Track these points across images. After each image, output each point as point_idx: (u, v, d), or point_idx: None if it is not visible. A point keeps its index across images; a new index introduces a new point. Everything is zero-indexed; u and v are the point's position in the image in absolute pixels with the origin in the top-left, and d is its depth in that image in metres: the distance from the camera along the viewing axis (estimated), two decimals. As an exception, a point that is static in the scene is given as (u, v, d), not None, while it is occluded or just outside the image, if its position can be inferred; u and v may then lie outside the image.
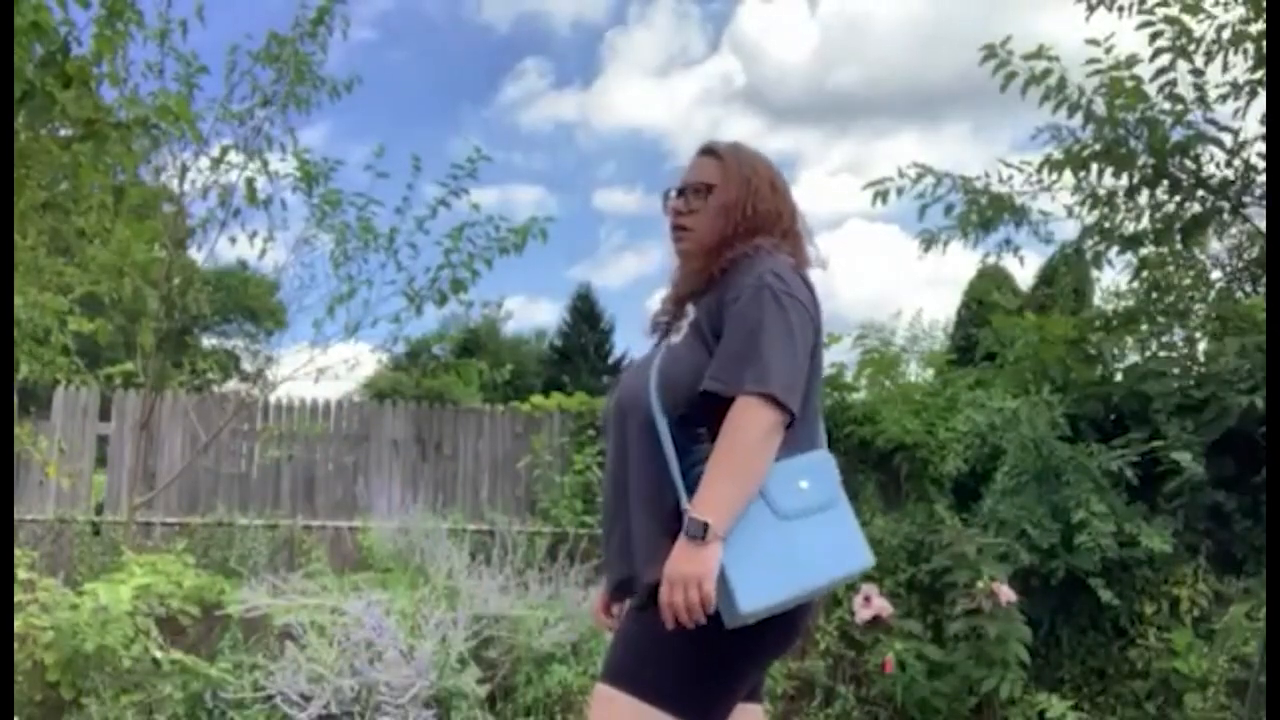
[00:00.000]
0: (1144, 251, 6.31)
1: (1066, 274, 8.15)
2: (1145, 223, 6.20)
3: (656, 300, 2.13)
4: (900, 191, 6.17)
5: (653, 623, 1.75)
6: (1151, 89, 5.73)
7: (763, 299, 1.78)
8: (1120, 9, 5.74)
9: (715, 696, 1.78)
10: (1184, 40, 5.70)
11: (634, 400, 1.87)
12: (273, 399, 6.77)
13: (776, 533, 1.71)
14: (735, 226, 1.95)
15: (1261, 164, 5.80)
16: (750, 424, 1.71)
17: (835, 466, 1.83)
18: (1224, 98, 5.83)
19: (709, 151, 2.05)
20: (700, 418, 1.77)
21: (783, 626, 1.81)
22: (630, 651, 1.82)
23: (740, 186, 1.97)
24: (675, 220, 2.02)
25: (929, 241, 6.47)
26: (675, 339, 1.90)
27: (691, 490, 1.73)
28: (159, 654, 4.41)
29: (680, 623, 1.67)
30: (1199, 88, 5.83)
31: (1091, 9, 5.74)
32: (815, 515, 1.76)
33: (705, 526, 1.67)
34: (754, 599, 1.66)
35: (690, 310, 1.91)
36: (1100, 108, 5.63)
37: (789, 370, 1.75)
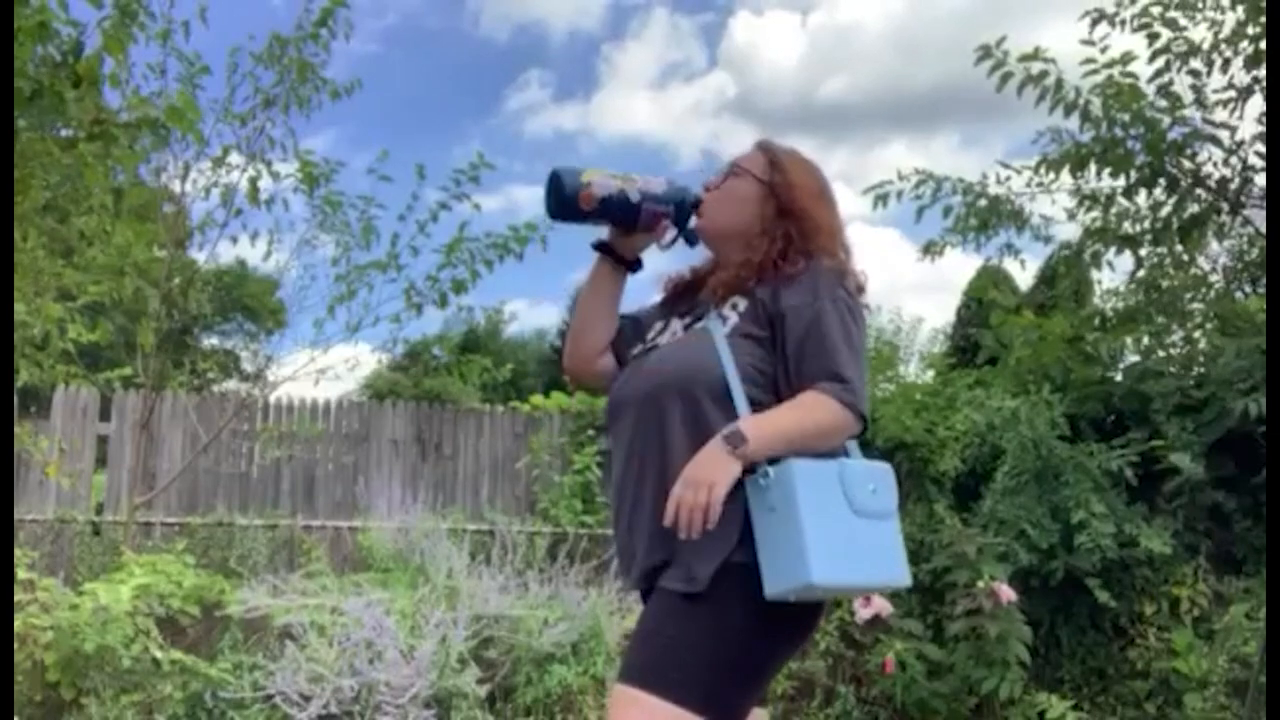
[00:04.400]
0: (1142, 252, 6.32)
1: (1066, 275, 8.16)
2: (1145, 223, 6.20)
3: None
4: (900, 195, 6.18)
5: (678, 621, 1.75)
6: (1149, 90, 5.74)
7: (840, 310, 1.84)
8: (1121, 23, 5.74)
9: (740, 696, 1.77)
10: (1182, 45, 5.71)
11: (682, 379, 1.84)
12: (272, 399, 6.78)
13: (850, 525, 1.75)
14: (769, 220, 1.93)
15: (1259, 163, 5.80)
16: (829, 413, 1.78)
17: (895, 483, 1.87)
18: (1223, 103, 5.84)
19: (759, 144, 2.04)
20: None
21: (806, 623, 1.83)
22: (654, 651, 1.76)
23: (781, 178, 1.96)
24: (704, 195, 2.03)
25: (930, 250, 6.50)
26: (724, 327, 1.88)
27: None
28: (159, 654, 4.41)
29: (678, 524, 1.70)
30: (1197, 90, 5.84)
31: (1095, 23, 5.74)
32: (880, 520, 1.79)
33: (744, 440, 1.71)
34: (825, 574, 1.68)
35: (740, 302, 1.90)
36: (1097, 108, 5.64)
37: (864, 387, 1.83)
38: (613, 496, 1.97)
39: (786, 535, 1.70)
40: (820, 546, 1.67)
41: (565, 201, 1.92)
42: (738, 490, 1.76)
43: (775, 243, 1.90)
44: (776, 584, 1.70)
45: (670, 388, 1.84)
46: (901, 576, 1.82)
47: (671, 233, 2.04)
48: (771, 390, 1.83)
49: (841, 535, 1.72)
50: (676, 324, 2.00)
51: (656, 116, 45.16)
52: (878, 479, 1.82)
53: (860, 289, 1.95)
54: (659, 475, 1.81)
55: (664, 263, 2.15)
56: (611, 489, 1.97)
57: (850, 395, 1.78)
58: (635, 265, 2.08)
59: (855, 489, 1.77)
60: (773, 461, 1.74)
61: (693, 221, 2.03)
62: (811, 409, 1.77)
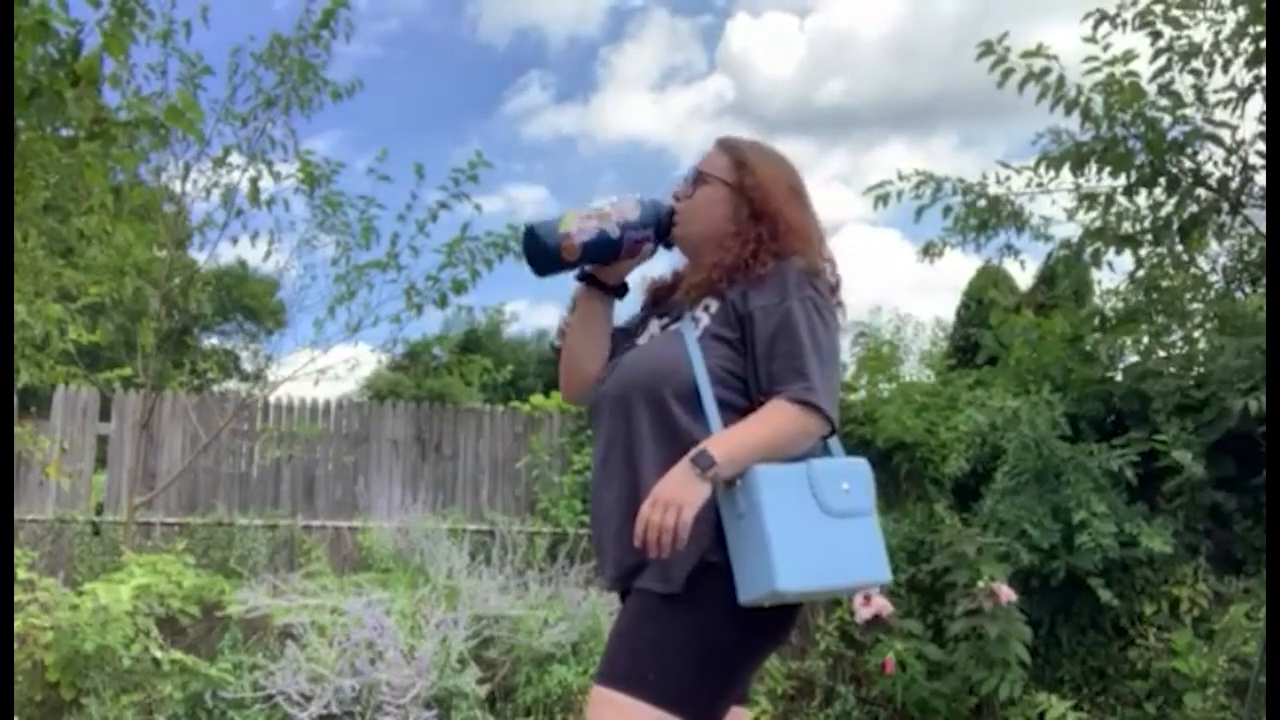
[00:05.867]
0: (1143, 251, 6.32)
1: (1065, 275, 8.15)
2: (1145, 223, 6.20)
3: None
4: (900, 195, 6.19)
5: (654, 621, 1.75)
6: (1151, 89, 5.74)
7: (808, 310, 1.82)
8: (1123, 23, 5.74)
9: (716, 696, 1.78)
10: (1184, 44, 5.71)
11: (650, 379, 1.85)
12: (272, 399, 6.78)
13: (820, 526, 1.74)
14: (743, 222, 1.93)
15: (1260, 162, 5.81)
16: (792, 421, 1.76)
17: (872, 478, 1.86)
18: (1225, 104, 5.84)
19: (721, 144, 2.02)
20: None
21: (782, 622, 1.83)
22: (630, 652, 1.77)
23: (750, 178, 1.94)
24: (675, 205, 2.01)
25: (930, 251, 6.51)
26: (696, 329, 1.89)
27: None
28: (159, 654, 4.41)
29: (646, 546, 1.69)
30: (1198, 90, 5.85)
31: (1097, 24, 5.74)
32: (854, 519, 1.78)
33: (713, 463, 1.70)
34: (792, 579, 1.67)
35: (711, 304, 1.91)
36: (1098, 106, 5.64)
37: (833, 387, 1.82)
38: (592, 496, 1.98)
39: (754, 542, 1.69)
40: (786, 553, 1.67)
41: (549, 258, 1.93)
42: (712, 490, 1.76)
43: (748, 244, 1.90)
44: (748, 591, 1.71)
45: (640, 389, 1.85)
46: (880, 573, 1.81)
47: (649, 246, 2.05)
48: (742, 392, 1.83)
49: (810, 539, 1.71)
50: (654, 325, 2.01)
51: (656, 119, 45.22)
52: (851, 476, 1.81)
53: (833, 288, 1.94)
54: (629, 477, 1.82)
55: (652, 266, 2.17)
56: (591, 488, 1.97)
57: (813, 396, 1.76)
58: (621, 291, 2.07)
59: (825, 489, 1.76)
60: None
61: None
62: (775, 420, 1.76)
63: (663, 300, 2.07)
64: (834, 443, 1.89)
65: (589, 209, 1.94)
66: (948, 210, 6.27)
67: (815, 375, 1.78)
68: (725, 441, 1.74)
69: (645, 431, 1.82)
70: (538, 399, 7.16)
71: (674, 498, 1.69)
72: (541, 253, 1.92)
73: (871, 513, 1.82)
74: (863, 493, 1.80)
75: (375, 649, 4.45)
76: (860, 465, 1.84)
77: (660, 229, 1.99)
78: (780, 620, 1.82)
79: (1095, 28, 5.73)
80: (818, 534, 1.72)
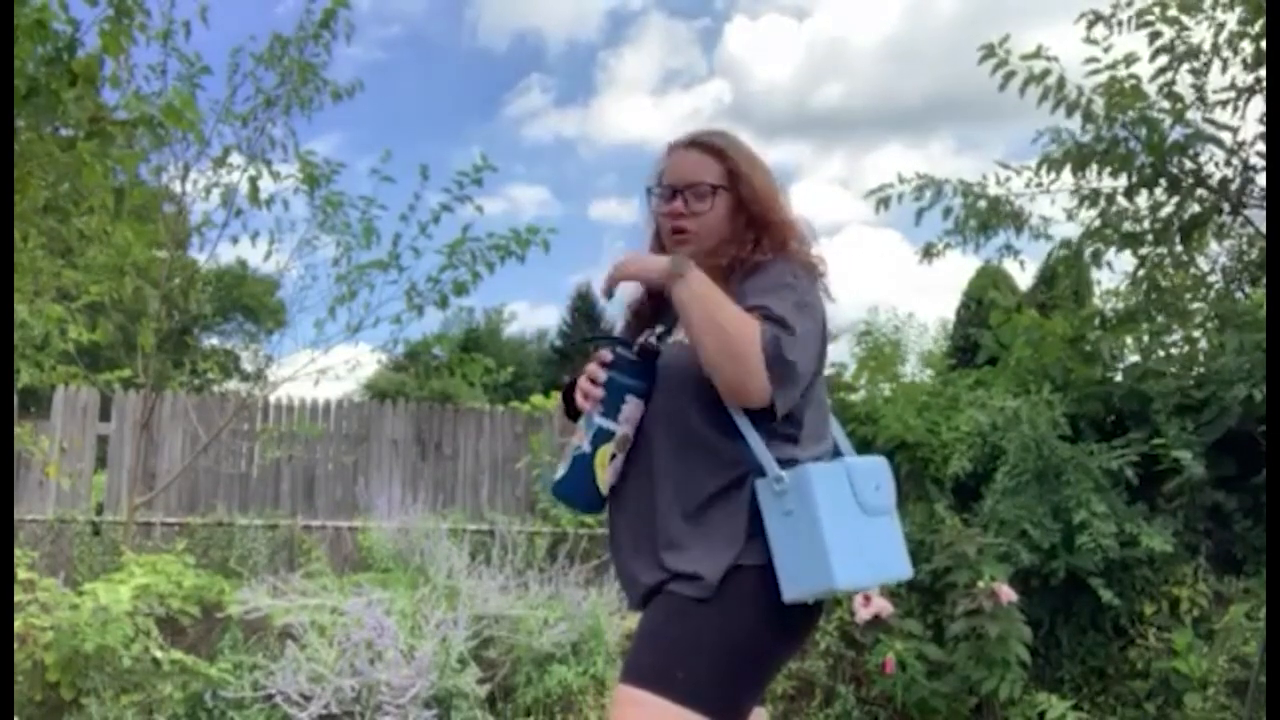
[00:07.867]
0: (1143, 252, 6.32)
1: (1065, 275, 8.15)
2: (1145, 223, 6.20)
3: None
4: (900, 198, 6.19)
5: (684, 622, 1.76)
6: (1151, 89, 5.74)
7: (796, 297, 1.82)
8: (1119, 23, 5.74)
9: (743, 697, 1.79)
10: (1182, 45, 5.71)
11: (675, 399, 1.85)
12: (273, 399, 6.78)
13: (861, 524, 1.78)
14: (740, 229, 1.95)
15: (1260, 163, 5.81)
16: (750, 338, 1.73)
17: (892, 476, 1.90)
18: (1224, 104, 5.84)
19: (704, 146, 1.99)
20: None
21: (808, 623, 1.86)
22: (658, 651, 1.77)
23: (747, 189, 1.95)
24: (675, 224, 1.96)
25: (930, 252, 6.51)
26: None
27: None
28: (159, 654, 4.41)
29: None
30: (1198, 89, 5.85)
31: (1091, 25, 5.74)
32: (883, 517, 1.83)
33: (683, 273, 1.79)
34: (848, 575, 1.72)
35: None
36: (1099, 108, 5.64)
37: (795, 373, 1.78)
38: (610, 520, 1.96)
39: (806, 540, 1.71)
40: (840, 550, 1.70)
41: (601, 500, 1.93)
42: (739, 493, 1.78)
43: (744, 246, 1.93)
44: (798, 587, 1.73)
45: (657, 413, 1.86)
46: (906, 569, 1.87)
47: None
48: None
49: (855, 536, 1.75)
50: (651, 339, 2.01)
51: (656, 122, 45.40)
52: (879, 475, 1.85)
53: (821, 274, 1.97)
54: (671, 487, 1.82)
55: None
56: (611, 512, 1.96)
57: (776, 352, 1.73)
58: None
59: (862, 488, 1.79)
60: (786, 467, 1.75)
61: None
62: (743, 321, 1.74)
63: (647, 316, 2.06)
64: (844, 441, 1.93)
65: (613, 446, 1.87)
66: (948, 212, 6.27)
67: (791, 335, 1.76)
68: (703, 281, 1.79)
69: (664, 445, 1.84)
70: (538, 399, 7.17)
71: (633, 259, 1.89)
72: (592, 506, 1.93)
73: (894, 511, 1.87)
74: (888, 491, 1.86)
75: (375, 649, 4.44)
76: (885, 465, 1.88)
77: (650, 364, 1.91)
78: (807, 621, 1.85)
79: (1089, 28, 5.73)
80: (860, 532, 1.77)
